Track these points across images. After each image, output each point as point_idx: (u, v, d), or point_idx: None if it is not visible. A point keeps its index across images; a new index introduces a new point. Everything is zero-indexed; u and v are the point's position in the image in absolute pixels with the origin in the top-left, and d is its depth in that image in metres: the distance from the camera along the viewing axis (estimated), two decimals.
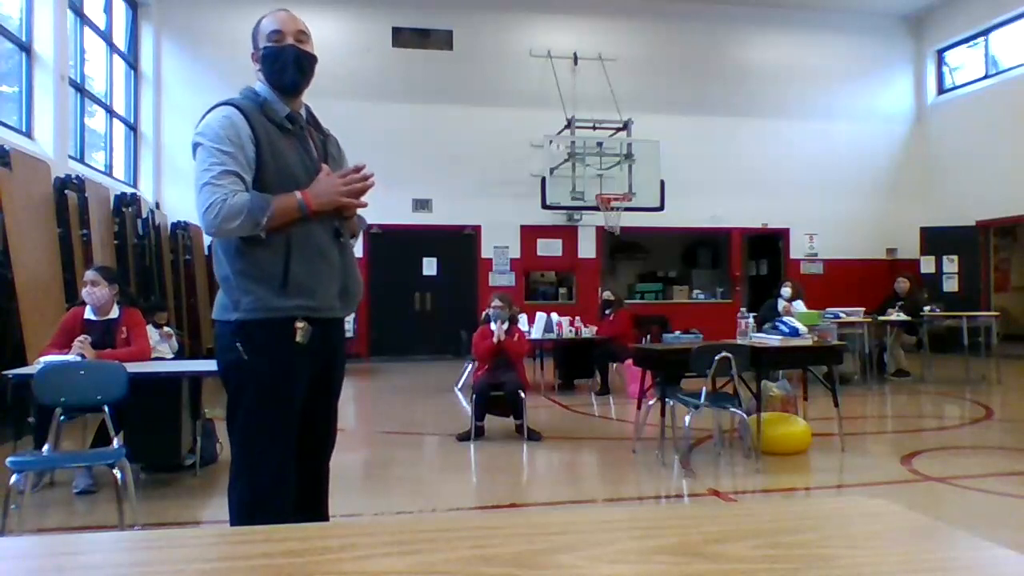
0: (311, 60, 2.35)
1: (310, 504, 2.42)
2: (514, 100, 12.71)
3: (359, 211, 2.41)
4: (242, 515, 2.27)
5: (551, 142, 11.33)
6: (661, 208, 11.54)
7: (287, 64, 2.30)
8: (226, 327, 2.26)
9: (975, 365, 9.38)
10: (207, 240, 11.34)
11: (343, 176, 2.30)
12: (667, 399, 5.02)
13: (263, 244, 2.20)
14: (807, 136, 13.67)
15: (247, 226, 2.15)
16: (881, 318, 9.16)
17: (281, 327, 2.22)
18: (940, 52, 14.07)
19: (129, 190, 10.20)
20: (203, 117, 2.29)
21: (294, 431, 2.31)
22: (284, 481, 2.29)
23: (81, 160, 9.49)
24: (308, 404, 2.34)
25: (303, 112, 2.41)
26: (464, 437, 5.84)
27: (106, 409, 3.74)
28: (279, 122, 2.30)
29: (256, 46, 2.35)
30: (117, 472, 3.39)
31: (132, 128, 11.56)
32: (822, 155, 13.69)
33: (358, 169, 2.31)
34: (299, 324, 2.22)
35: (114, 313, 4.55)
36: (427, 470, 5.11)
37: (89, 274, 4.54)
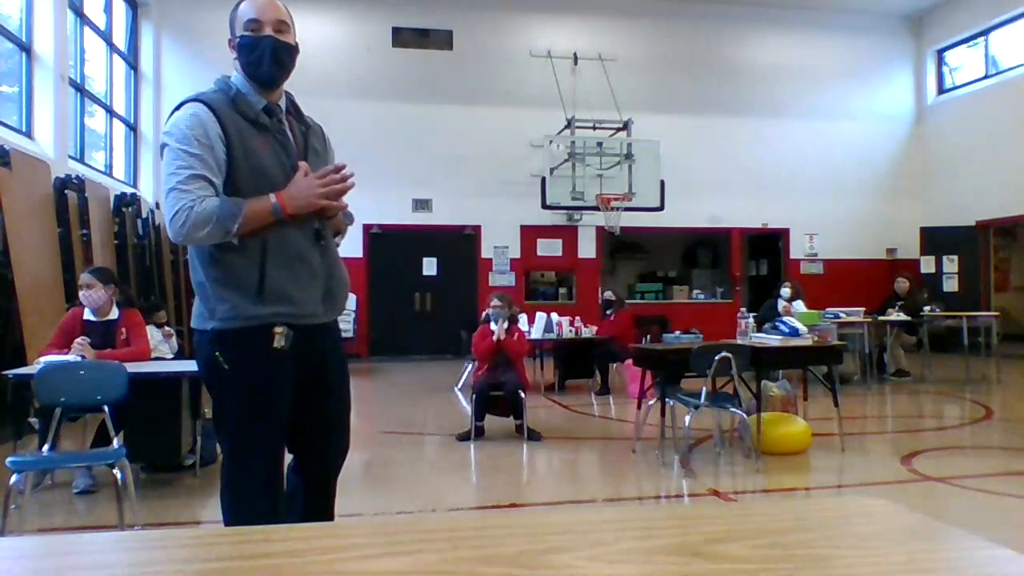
0: (291, 52, 2.21)
1: (315, 513, 2.36)
2: (514, 100, 12.70)
3: (345, 205, 2.31)
4: (231, 523, 2.25)
5: (551, 142, 11.33)
6: (661, 208, 11.54)
7: (264, 56, 2.15)
8: (203, 336, 2.18)
9: (975, 365, 9.38)
10: None
11: (321, 176, 2.17)
12: (667, 399, 5.02)
13: (237, 250, 2.10)
14: (807, 136, 13.67)
15: (216, 234, 2.04)
16: (881, 318, 9.15)
17: (259, 335, 2.13)
18: (940, 52, 14.07)
19: (129, 190, 10.19)
20: (171, 113, 2.16)
21: (280, 439, 2.26)
22: (271, 489, 2.24)
23: (81, 160, 9.49)
24: (303, 411, 2.27)
25: (283, 103, 2.28)
26: (464, 437, 5.84)
27: (106, 409, 3.74)
28: (253, 117, 2.17)
29: (233, 33, 2.21)
30: (117, 472, 3.39)
31: (132, 128, 11.55)
32: (822, 155, 13.69)
33: (338, 169, 2.19)
34: (277, 330, 2.13)
35: (113, 314, 4.55)
36: (427, 470, 5.10)
37: (84, 277, 4.53)
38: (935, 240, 12.82)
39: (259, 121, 2.18)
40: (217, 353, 2.15)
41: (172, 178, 2.05)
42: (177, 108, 2.15)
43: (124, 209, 9.05)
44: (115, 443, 3.73)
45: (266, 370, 2.16)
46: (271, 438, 2.23)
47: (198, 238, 2.06)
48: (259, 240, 2.11)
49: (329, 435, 2.40)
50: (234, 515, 2.24)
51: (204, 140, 2.07)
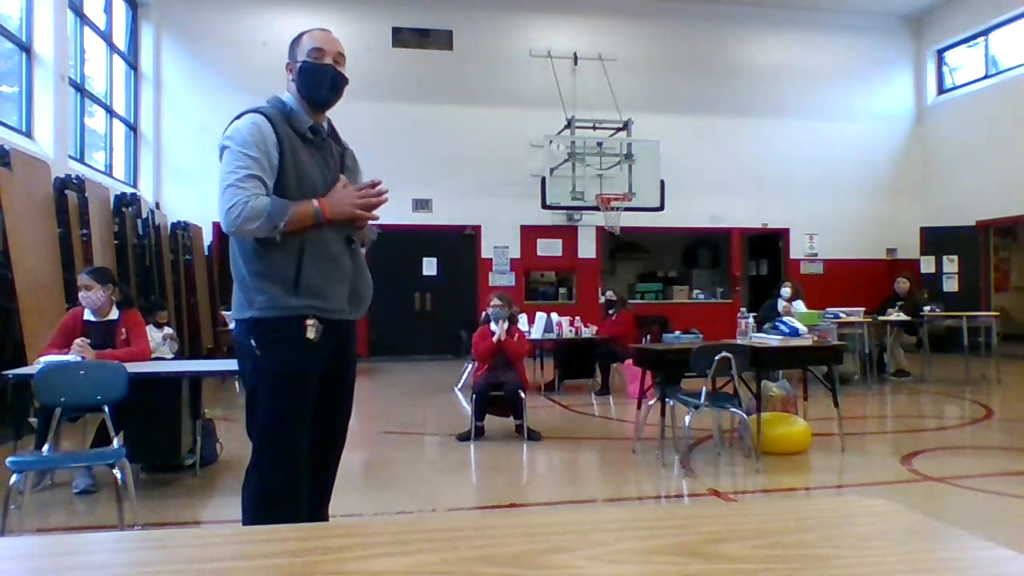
0: (344, 81, 2.50)
1: (314, 505, 2.47)
2: (514, 100, 12.71)
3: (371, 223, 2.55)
4: (255, 507, 2.34)
5: (551, 142, 11.33)
6: (661, 208, 11.54)
7: (324, 82, 2.44)
8: (241, 324, 2.40)
9: (975, 365, 9.38)
10: (207, 240, 11.36)
11: (360, 189, 2.42)
12: (667, 399, 5.02)
13: (278, 247, 2.31)
14: (807, 136, 13.67)
15: (265, 228, 2.26)
16: (881, 318, 9.15)
17: (292, 324, 2.33)
18: (940, 52, 14.07)
19: (129, 190, 10.20)
20: (231, 122, 2.40)
21: (308, 426, 2.38)
22: (298, 474, 2.36)
23: (81, 160, 9.49)
24: (322, 404, 2.43)
25: (325, 125, 2.54)
26: (464, 437, 5.84)
27: (106, 409, 3.73)
28: (302, 132, 2.42)
29: (294, 57, 2.48)
30: (117, 472, 3.39)
31: (132, 128, 11.55)
32: (822, 155, 13.69)
33: (374, 184, 2.44)
34: (309, 321, 2.32)
35: (113, 314, 4.55)
36: (427, 470, 5.11)
37: (82, 278, 4.52)
38: (935, 240, 12.82)
39: (307, 136, 2.44)
40: (252, 339, 2.35)
41: (231, 176, 2.29)
42: (237, 118, 2.40)
43: (124, 209, 9.04)
44: (115, 443, 3.73)
45: (297, 357, 2.34)
46: (299, 424, 2.36)
47: (248, 230, 2.27)
48: (298, 239, 2.33)
49: (337, 428, 2.56)
50: (259, 501, 2.34)
51: (262, 146, 2.32)
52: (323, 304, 2.36)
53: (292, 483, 2.34)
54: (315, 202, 2.34)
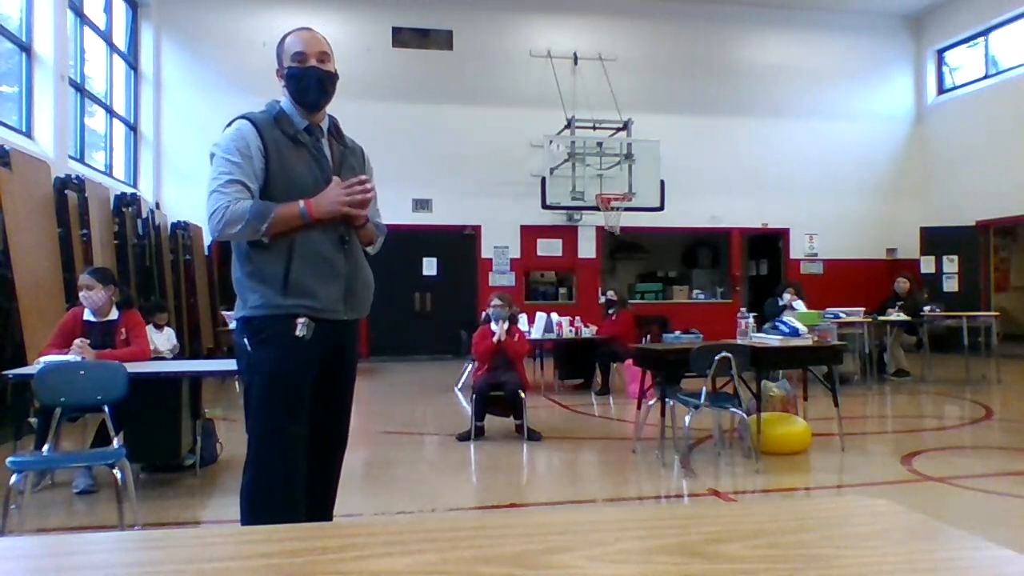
0: (332, 79, 2.48)
1: (316, 504, 2.48)
2: (514, 100, 12.71)
3: (379, 219, 2.62)
4: (250, 503, 2.37)
5: (551, 142, 11.33)
6: (661, 208, 11.54)
7: (310, 85, 2.43)
8: (238, 323, 2.43)
9: (975, 365, 9.38)
10: (207, 240, 11.36)
11: (346, 187, 2.40)
12: (667, 399, 5.02)
13: (268, 248, 2.35)
14: (807, 136, 13.67)
15: (247, 231, 2.30)
16: (881, 318, 9.15)
17: (283, 322, 2.35)
18: (940, 52, 14.07)
19: (129, 190, 10.20)
20: (223, 130, 2.44)
21: (303, 420, 2.40)
22: (292, 469, 2.37)
23: (81, 160, 9.49)
24: (318, 402, 2.45)
25: (325, 124, 2.54)
26: (464, 437, 5.84)
27: (106, 409, 3.73)
28: (292, 134, 2.43)
29: (281, 64, 2.49)
30: (117, 472, 3.39)
31: (132, 128, 11.56)
32: (822, 155, 13.69)
33: (362, 181, 2.42)
34: (299, 320, 2.34)
35: (113, 314, 4.55)
36: (427, 470, 5.10)
37: (83, 278, 4.53)
38: (935, 240, 12.82)
39: (297, 138, 2.45)
40: (245, 338, 2.40)
41: (214, 182, 2.34)
42: (228, 124, 2.43)
43: (124, 209, 9.04)
44: (115, 443, 3.73)
45: (288, 354, 2.36)
46: (292, 418, 2.39)
47: (231, 234, 2.31)
48: (287, 241, 2.36)
49: (337, 429, 2.58)
50: (253, 496, 2.37)
51: (245, 151, 2.35)
52: (314, 303, 2.37)
53: (286, 478, 2.36)
54: (301, 202, 2.34)
